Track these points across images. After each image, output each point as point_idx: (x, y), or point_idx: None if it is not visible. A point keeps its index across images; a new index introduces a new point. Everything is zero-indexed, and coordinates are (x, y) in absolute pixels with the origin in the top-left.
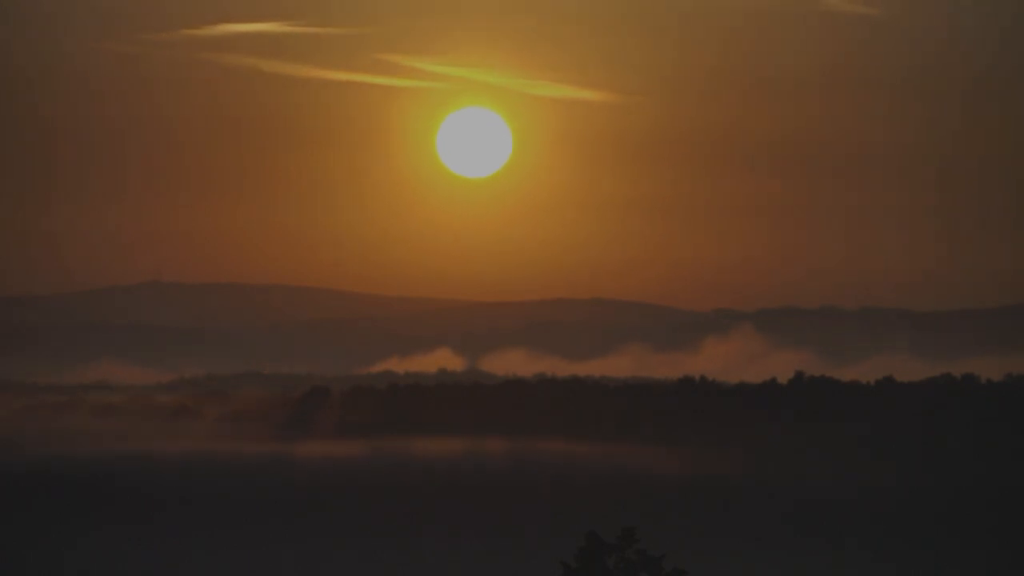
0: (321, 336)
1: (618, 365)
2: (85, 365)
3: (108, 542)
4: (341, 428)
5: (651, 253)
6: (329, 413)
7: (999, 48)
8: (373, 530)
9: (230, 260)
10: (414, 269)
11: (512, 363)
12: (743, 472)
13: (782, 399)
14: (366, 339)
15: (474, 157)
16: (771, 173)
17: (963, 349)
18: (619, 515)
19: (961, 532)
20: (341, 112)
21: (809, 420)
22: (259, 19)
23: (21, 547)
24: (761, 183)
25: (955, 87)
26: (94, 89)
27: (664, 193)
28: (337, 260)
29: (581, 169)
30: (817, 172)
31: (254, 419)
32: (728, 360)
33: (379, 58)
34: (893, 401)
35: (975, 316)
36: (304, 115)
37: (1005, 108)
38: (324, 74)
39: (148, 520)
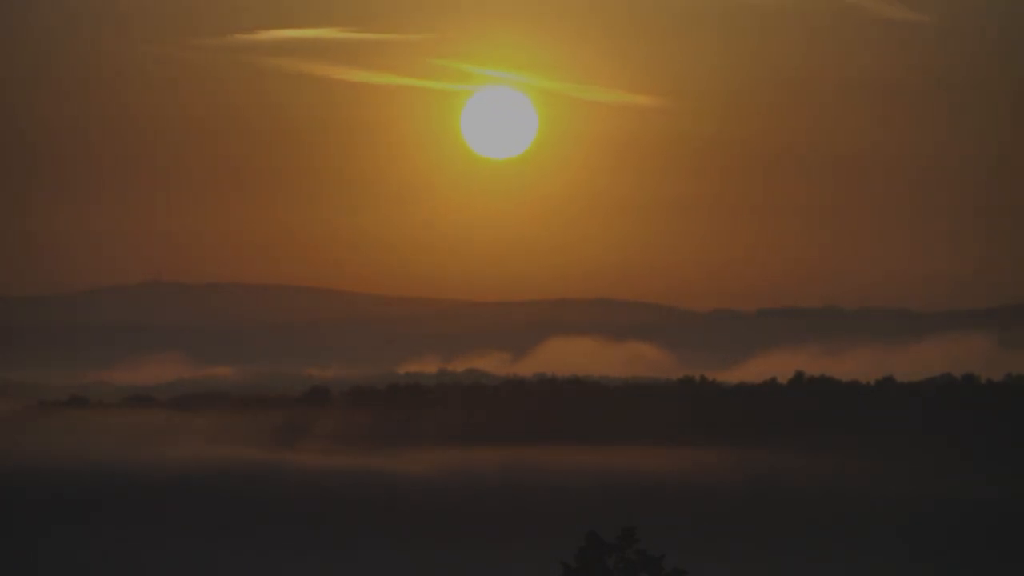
0: (321, 336)
1: (618, 365)
2: (85, 365)
3: (107, 543)
4: (341, 428)
5: (653, 253)
6: (329, 413)
7: None
8: (373, 530)
9: (231, 260)
10: (414, 269)
11: (512, 363)
12: (743, 472)
13: (782, 399)
14: (366, 339)
15: (493, 137)
16: (774, 175)
17: (963, 349)
18: (619, 515)
19: (961, 531)
20: (370, 113)
21: (809, 420)
22: (311, 25)
23: (20, 548)
24: (763, 185)
25: (951, 90)
26: (128, 90)
27: (666, 194)
28: (338, 260)
29: (584, 169)
30: (818, 173)
31: (254, 419)
32: (728, 360)
33: (430, 63)
34: (893, 401)
35: (975, 316)
36: (339, 116)
37: (1004, 109)
38: (368, 77)
39: (148, 520)
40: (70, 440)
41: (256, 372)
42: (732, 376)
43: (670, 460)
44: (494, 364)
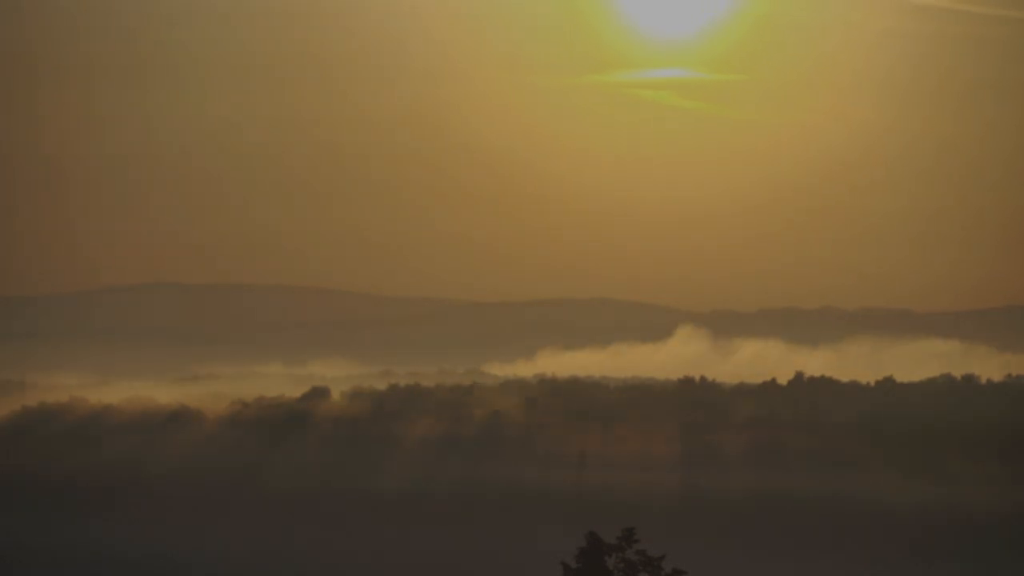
0: (321, 336)
1: (618, 365)
2: (86, 365)
3: (108, 542)
4: (341, 428)
5: (652, 253)
6: (329, 413)
7: None
8: (373, 529)
9: (232, 261)
10: (415, 269)
11: (512, 363)
12: (743, 472)
13: (782, 399)
14: (367, 339)
15: None
16: (774, 175)
17: (963, 349)
18: (619, 515)
19: (960, 531)
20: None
21: (809, 420)
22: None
23: (21, 545)
24: (764, 186)
25: (950, 91)
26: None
27: (667, 196)
28: (337, 260)
29: (585, 169)
30: (819, 173)
31: (254, 419)
32: (728, 360)
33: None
34: (893, 401)
35: (975, 316)
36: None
37: (1000, 109)
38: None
39: (148, 519)
40: (70, 439)
41: (256, 372)
42: (732, 376)
43: (670, 460)
44: (494, 364)
